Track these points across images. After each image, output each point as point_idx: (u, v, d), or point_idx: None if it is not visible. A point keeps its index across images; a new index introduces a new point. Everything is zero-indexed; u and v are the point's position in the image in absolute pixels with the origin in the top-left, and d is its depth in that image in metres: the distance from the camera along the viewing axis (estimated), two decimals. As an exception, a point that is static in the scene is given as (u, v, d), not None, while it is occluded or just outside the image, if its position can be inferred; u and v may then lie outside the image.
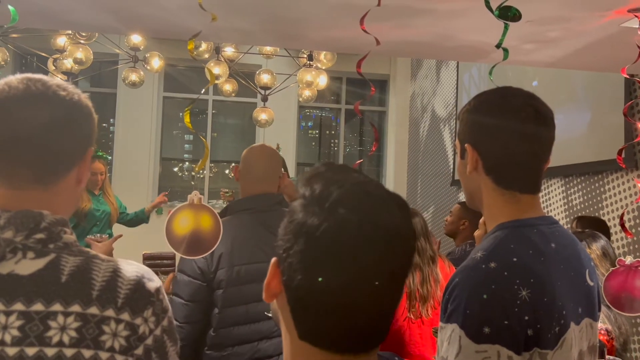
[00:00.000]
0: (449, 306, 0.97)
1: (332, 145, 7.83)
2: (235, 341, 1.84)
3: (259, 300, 1.86)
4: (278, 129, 5.99)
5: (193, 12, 1.65)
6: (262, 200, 1.95)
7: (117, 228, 4.23)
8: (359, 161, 1.70)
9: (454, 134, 5.46)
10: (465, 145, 1.11)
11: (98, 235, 3.39)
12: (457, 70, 5.41)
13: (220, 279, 1.81)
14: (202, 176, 7.38)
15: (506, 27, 1.63)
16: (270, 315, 1.87)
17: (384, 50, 1.90)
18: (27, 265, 0.79)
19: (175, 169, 7.55)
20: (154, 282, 0.86)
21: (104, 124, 7.39)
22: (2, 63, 3.49)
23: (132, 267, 0.86)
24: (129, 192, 5.01)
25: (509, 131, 1.05)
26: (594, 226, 3.41)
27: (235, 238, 1.81)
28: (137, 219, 4.30)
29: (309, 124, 7.93)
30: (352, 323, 0.61)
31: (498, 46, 1.66)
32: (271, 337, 1.88)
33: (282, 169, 3.53)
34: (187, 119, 1.45)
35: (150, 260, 5.96)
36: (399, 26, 1.87)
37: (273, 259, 0.67)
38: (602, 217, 3.05)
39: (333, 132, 7.83)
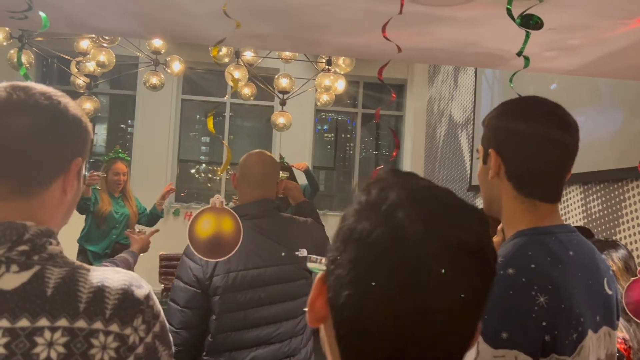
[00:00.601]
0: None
1: (347, 148, 7.83)
2: (232, 347, 1.84)
3: (257, 306, 1.87)
4: (294, 133, 6.02)
5: (217, 18, 1.67)
6: (259, 206, 1.96)
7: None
8: (379, 167, 1.71)
9: (471, 140, 5.44)
10: (490, 150, 1.11)
11: (137, 229, 3.43)
12: (475, 76, 5.39)
13: (217, 286, 1.82)
14: (218, 178, 7.43)
15: (528, 35, 1.63)
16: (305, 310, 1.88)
17: (405, 56, 1.91)
18: (11, 279, 0.77)
19: (192, 171, 7.61)
20: (143, 288, 0.84)
21: (122, 125, 7.48)
22: (27, 65, 3.55)
23: (119, 276, 0.84)
24: (147, 193, 5.05)
25: (534, 139, 1.06)
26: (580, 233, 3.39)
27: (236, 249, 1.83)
28: (153, 217, 4.34)
29: (325, 127, 7.94)
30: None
31: (519, 54, 1.66)
32: (269, 344, 1.89)
33: (285, 175, 3.55)
34: (210, 124, 1.47)
35: (167, 261, 6.03)
36: (420, 33, 1.87)
37: (320, 273, 0.57)
38: (621, 226, 3.02)
39: (349, 136, 7.84)
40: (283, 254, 1.92)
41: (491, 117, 1.15)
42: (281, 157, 3.97)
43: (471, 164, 5.38)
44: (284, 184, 2.25)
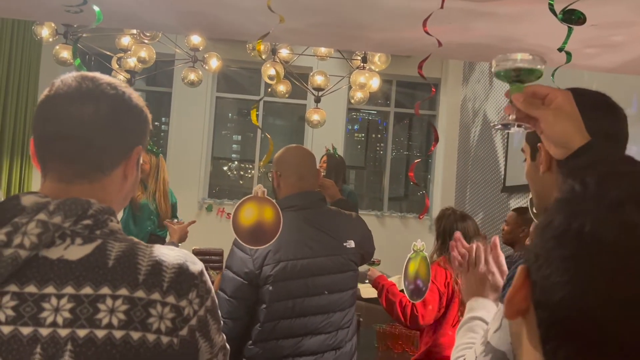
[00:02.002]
0: (506, 284, 1.01)
1: (378, 148, 7.83)
2: (279, 335, 1.87)
3: (306, 296, 1.90)
4: (326, 131, 6.05)
5: (260, 14, 1.72)
6: (305, 198, 1.99)
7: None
8: (417, 160, 1.72)
9: (505, 140, 5.38)
10: (539, 144, 1.09)
11: (175, 220, 3.49)
12: (511, 75, 5.32)
13: (267, 275, 1.85)
14: (250, 176, 7.52)
15: (570, 31, 1.63)
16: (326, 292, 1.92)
17: (444, 53, 1.92)
18: (76, 251, 0.82)
19: (225, 168, 7.72)
20: (197, 265, 0.89)
21: (156, 123, 7.63)
22: (71, 60, 3.68)
23: (174, 252, 0.88)
24: (182, 190, 5.15)
25: (587, 129, 1.06)
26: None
27: (281, 235, 1.86)
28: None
29: (355, 126, 7.96)
30: None
31: (561, 50, 1.66)
32: (316, 334, 1.91)
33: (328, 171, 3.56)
34: (253, 117, 1.51)
35: (200, 256, 6.10)
36: (460, 29, 1.89)
37: (521, 267, 0.53)
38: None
39: (379, 136, 7.83)
40: (332, 244, 1.96)
41: None
42: (333, 149, 3.97)
43: (505, 165, 5.32)
44: (320, 181, 2.29)
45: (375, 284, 2.69)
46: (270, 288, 1.85)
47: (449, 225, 2.66)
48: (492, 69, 0.96)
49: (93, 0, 1.53)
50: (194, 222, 2.63)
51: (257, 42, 1.55)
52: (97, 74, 0.94)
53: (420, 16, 1.56)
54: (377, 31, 1.97)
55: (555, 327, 0.47)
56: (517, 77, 0.92)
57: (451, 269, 2.54)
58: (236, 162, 7.77)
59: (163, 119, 7.36)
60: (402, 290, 2.48)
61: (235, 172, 7.78)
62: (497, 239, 1.32)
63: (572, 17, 1.61)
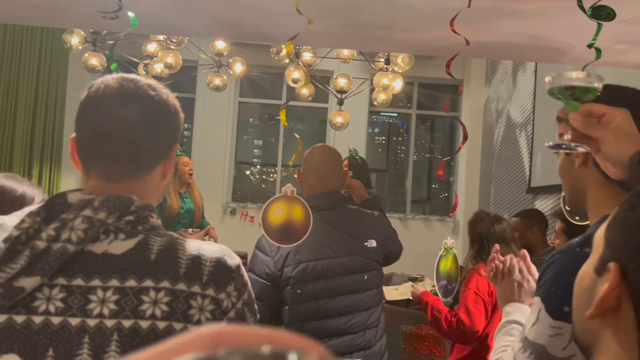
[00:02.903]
0: (540, 280, 1.01)
1: (399, 151, 7.81)
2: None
3: (329, 297, 1.90)
4: (348, 134, 6.06)
5: (287, 17, 1.74)
6: (326, 198, 1.99)
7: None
8: (445, 158, 1.72)
9: (530, 141, 5.33)
10: None
11: (190, 230, 3.52)
12: (535, 75, 5.28)
13: (288, 276, 1.86)
14: (273, 180, 7.56)
15: (599, 27, 1.62)
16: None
17: (471, 52, 1.92)
18: (119, 246, 0.85)
19: (247, 172, 7.78)
20: (234, 259, 0.91)
21: (180, 128, 7.70)
22: (100, 68, 3.76)
23: (213, 247, 0.91)
24: (205, 194, 5.19)
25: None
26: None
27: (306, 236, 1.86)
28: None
29: (376, 130, 7.95)
30: None
31: (590, 46, 1.65)
32: (343, 335, 1.91)
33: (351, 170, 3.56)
34: (283, 118, 1.53)
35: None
36: (487, 28, 1.89)
37: (613, 265, 0.53)
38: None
39: (400, 139, 7.81)
40: (353, 244, 1.95)
41: None
42: (355, 151, 3.97)
43: (530, 166, 5.27)
44: (347, 182, 2.28)
45: (419, 300, 2.61)
46: (291, 289, 1.87)
47: (485, 229, 2.58)
48: (546, 87, 0.93)
49: (127, 7, 1.57)
50: (209, 230, 2.62)
51: (287, 43, 1.57)
52: (136, 76, 0.97)
53: (446, 15, 1.57)
54: (403, 31, 1.98)
55: None
56: (572, 95, 0.89)
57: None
58: (258, 167, 7.82)
59: (186, 124, 7.45)
60: (432, 291, 2.47)
61: (257, 177, 7.83)
62: (525, 252, 1.34)
63: (602, 13, 1.60)
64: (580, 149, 0.90)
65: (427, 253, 3.41)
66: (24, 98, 5.65)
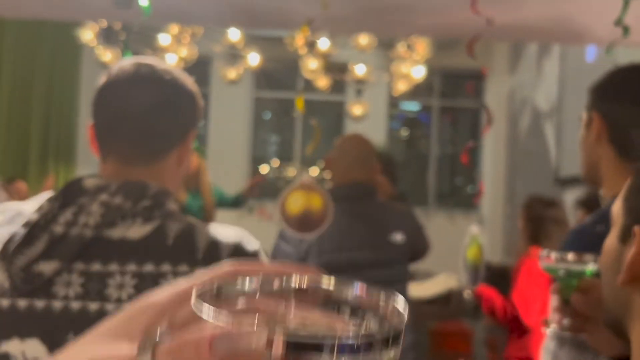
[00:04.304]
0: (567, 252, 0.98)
1: (420, 145, 7.73)
2: None
3: None
4: (367, 128, 5.99)
5: (302, 2, 1.70)
6: (352, 189, 1.95)
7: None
8: (469, 144, 1.66)
9: (557, 129, 5.19)
10: (593, 113, 1.11)
11: None
12: (560, 62, 5.14)
13: None
14: (290, 177, 7.52)
15: (627, 3, 1.55)
16: None
17: (493, 34, 1.85)
18: (137, 230, 0.85)
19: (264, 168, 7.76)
20: (253, 244, 0.91)
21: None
22: (114, 62, 3.76)
23: (231, 231, 0.91)
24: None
25: None
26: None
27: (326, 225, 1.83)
28: (237, 202, 4.45)
29: (398, 123, 7.88)
30: None
31: (618, 23, 1.58)
32: None
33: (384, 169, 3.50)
34: (300, 105, 1.49)
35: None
36: (510, 9, 1.81)
37: (638, 228, 0.56)
38: None
39: (422, 132, 7.72)
40: (377, 238, 1.92)
41: (599, 82, 1.15)
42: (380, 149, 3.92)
43: (557, 155, 5.14)
44: (380, 176, 2.25)
45: (475, 294, 2.62)
46: None
47: (539, 212, 2.56)
48: (540, 264, 0.90)
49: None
50: None
51: (303, 27, 1.52)
52: (152, 60, 0.96)
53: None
54: (423, 14, 1.91)
55: None
56: (570, 273, 0.85)
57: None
58: (276, 163, 7.79)
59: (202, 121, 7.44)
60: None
61: (274, 173, 7.80)
62: None
63: (632, -12, 1.53)
64: (580, 337, 0.86)
65: (450, 247, 3.35)
66: (38, 95, 5.67)
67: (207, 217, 4.33)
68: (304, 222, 1.52)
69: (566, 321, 0.84)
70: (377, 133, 6.66)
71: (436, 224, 6.69)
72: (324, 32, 3.46)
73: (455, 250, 2.20)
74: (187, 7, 1.83)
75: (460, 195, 7.47)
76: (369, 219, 1.93)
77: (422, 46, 3.76)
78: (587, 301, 0.81)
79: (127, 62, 0.95)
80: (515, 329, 2.48)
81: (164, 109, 0.93)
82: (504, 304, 2.45)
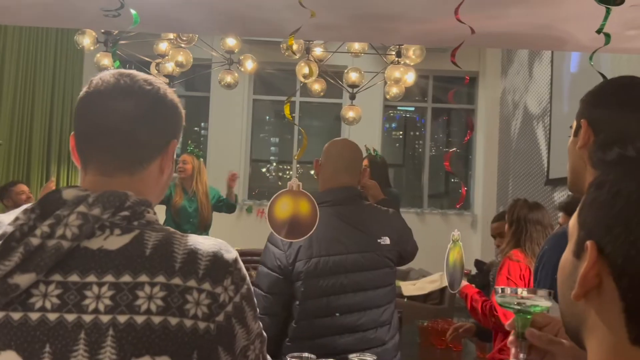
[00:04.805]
0: (539, 274, 1.00)
1: (416, 146, 7.76)
2: (316, 333, 1.85)
3: (340, 293, 1.87)
4: (363, 130, 6.03)
5: (291, 11, 1.73)
6: (341, 193, 1.96)
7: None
8: (452, 150, 1.70)
9: (548, 132, 5.25)
10: (582, 120, 1.14)
11: None
12: (552, 65, 5.20)
13: (299, 271, 1.84)
14: (289, 177, 7.57)
15: (608, 12, 1.58)
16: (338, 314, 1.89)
17: (478, 41, 1.89)
18: (115, 241, 0.84)
19: (263, 170, 7.80)
20: (231, 253, 0.90)
21: (196, 128, 7.76)
22: (112, 68, 3.79)
23: (209, 241, 0.90)
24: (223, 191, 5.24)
25: (630, 113, 1.08)
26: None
27: (313, 231, 1.80)
28: (229, 206, 4.64)
29: (393, 125, 7.91)
30: None
31: (599, 31, 1.61)
32: (353, 332, 1.88)
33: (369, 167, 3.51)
34: (287, 111, 1.53)
35: (241, 257, 6.23)
36: (494, 16, 1.85)
37: (589, 243, 0.56)
38: None
39: (417, 134, 7.76)
40: (366, 241, 1.92)
41: (590, 92, 1.18)
42: (374, 151, 3.94)
43: (548, 157, 5.19)
44: (363, 182, 2.25)
45: (460, 293, 2.64)
46: (302, 285, 1.85)
47: (523, 214, 2.59)
48: (495, 299, 0.93)
49: (130, 4, 1.57)
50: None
51: (290, 37, 1.56)
52: (133, 71, 0.98)
53: (451, 5, 1.55)
54: (410, 22, 1.95)
55: None
56: (524, 308, 0.87)
57: (525, 260, 2.48)
58: (274, 164, 7.84)
59: (202, 123, 7.48)
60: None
61: (273, 174, 7.84)
62: None
63: (611, -2, 1.57)
64: None
65: (444, 247, 3.39)
66: (41, 100, 5.74)
67: (203, 219, 4.37)
68: (292, 227, 1.55)
69: (522, 355, 0.85)
70: (372, 134, 6.71)
71: (431, 224, 6.74)
72: (311, 39, 3.50)
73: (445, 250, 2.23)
74: (177, 16, 1.86)
75: (454, 197, 7.51)
76: (357, 222, 1.95)
77: (414, 51, 3.79)
78: (541, 336, 0.82)
79: (108, 73, 0.95)
80: (498, 329, 2.51)
81: (145, 119, 0.94)
82: (485, 304, 2.47)
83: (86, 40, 3.67)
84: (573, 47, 2.23)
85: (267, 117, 7.80)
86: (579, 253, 0.58)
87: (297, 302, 1.87)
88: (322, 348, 1.80)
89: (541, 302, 0.86)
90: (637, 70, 3.49)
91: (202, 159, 4.58)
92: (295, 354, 1.53)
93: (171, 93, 1.00)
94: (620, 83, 1.17)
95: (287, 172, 7.71)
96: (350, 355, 1.58)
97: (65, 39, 5.76)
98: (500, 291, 0.89)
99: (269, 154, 7.89)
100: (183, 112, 1.03)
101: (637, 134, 1.07)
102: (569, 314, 0.62)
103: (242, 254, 3.88)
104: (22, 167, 5.59)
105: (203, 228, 4.38)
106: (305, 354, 1.53)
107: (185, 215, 4.30)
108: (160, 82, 0.99)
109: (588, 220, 0.57)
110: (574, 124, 1.19)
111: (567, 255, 0.62)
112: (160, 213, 4.31)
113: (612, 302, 0.53)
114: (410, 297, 5.00)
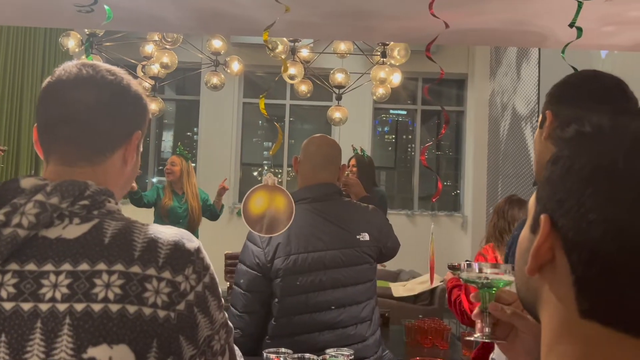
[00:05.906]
0: (509, 260, 1.00)
1: (408, 149, 7.78)
2: (295, 330, 1.85)
3: (319, 290, 1.87)
4: (353, 131, 6.04)
5: (268, 8, 1.74)
6: (320, 190, 1.96)
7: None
8: (428, 144, 1.71)
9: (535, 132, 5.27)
10: (547, 112, 1.16)
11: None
12: (539, 66, 5.23)
13: (278, 268, 1.84)
14: (280, 180, 7.57)
15: (580, 6, 1.59)
16: (333, 308, 1.89)
17: (454, 38, 1.90)
18: (73, 230, 0.84)
19: (255, 174, 7.79)
20: (193, 242, 0.89)
21: (188, 133, 7.75)
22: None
23: (171, 230, 0.90)
24: (212, 196, 5.23)
25: (593, 104, 1.10)
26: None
27: (292, 228, 1.80)
28: (212, 213, 4.60)
29: (385, 128, 7.93)
30: None
31: (572, 25, 1.62)
32: (333, 328, 1.88)
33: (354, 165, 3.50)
34: (262, 105, 1.53)
35: (232, 260, 6.18)
36: (470, 13, 1.86)
37: (543, 216, 0.56)
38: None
39: (410, 137, 7.78)
40: (345, 237, 1.92)
41: (555, 85, 1.21)
42: (362, 150, 3.95)
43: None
44: (344, 179, 2.24)
45: (447, 286, 2.64)
46: (281, 282, 1.84)
47: (509, 211, 2.58)
48: (460, 275, 0.93)
49: (104, 1, 1.57)
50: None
51: (264, 32, 1.57)
52: (97, 62, 0.99)
53: (428, 1, 1.56)
54: (387, 19, 1.96)
55: (596, 266, 0.49)
56: (487, 282, 0.87)
57: (494, 254, 2.47)
58: (266, 168, 7.83)
59: (195, 128, 7.47)
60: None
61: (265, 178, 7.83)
62: None
63: (584, -7, 1.58)
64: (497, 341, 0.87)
65: (435, 248, 3.40)
66: (29, 100, 5.73)
67: (193, 220, 4.37)
68: (267, 222, 1.55)
69: (487, 329, 0.85)
70: (361, 135, 6.72)
71: (422, 226, 6.74)
72: (292, 37, 3.50)
73: (439, 251, 2.22)
74: (152, 13, 1.86)
75: (445, 199, 7.52)
76: (336, 219, 1.94)
77: (399, 52, 3.81)
78: (504, 309, 0.83)
79: (71, 63, 0.96)
80: (464, 322, 2.51)
81: (106, 109, 0.94)
82: (456, 300, 2.46)
83: (71, 42, 3.67)
84: (553, 43, 2.24)
85: (260, 122, 7.79)
86: (535, 228, 0.58)
87: (276, 300, 1.86)
88: (302, 345, 1.79)
89: (504, 276, 0.87)
90: (637, 70, 3.51)
91: (190, 161, 4.58)
92: (272, 349, 1.52)
93: (135, 84, 1.00)
94: (584, 75, 1.19)
95: (279, 176, 7.70)
96: (328, 350, 1.57)
97: (54, 40, 5.76)
98: (465, 266, 0.90)
99: (262, 158, 7.89)
100: (148, 103, 1.03)
101: (595, 113, 1.08)
102: (524, 289, 0.63)
103: (233, 257, 3.88)
104: (11, 168, 5.58)
105: (192, 230, 4.37)
106: (282, 349, 1.53)
107: (175, 216, 4.31)
108: (124, 73, 0.99)
109: (543, 195, 0.58)
110: (541, 117, 1.20)
111: (524, 231, 0.63)
112: (149, 216, 4.30)
113: (563, 276, 0.53)
114: (400, 299, 5.00)
